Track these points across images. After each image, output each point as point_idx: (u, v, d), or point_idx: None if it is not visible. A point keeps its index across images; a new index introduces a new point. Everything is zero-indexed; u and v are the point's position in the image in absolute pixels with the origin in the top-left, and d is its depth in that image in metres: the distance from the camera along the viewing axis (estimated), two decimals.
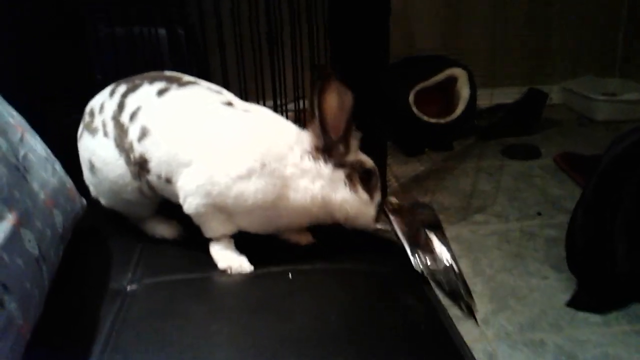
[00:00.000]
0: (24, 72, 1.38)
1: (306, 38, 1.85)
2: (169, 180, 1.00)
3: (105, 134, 1.04)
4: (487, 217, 2.19)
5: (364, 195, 1.01)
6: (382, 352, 0.80)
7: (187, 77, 1.09)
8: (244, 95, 1.79)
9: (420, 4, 3.23)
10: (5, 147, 0.86)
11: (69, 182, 1.07)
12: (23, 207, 0.83)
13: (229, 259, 1.02)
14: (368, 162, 1.04)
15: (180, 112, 1.01)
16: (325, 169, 0.98)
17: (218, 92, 1.07)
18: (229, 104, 1.03)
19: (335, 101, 0.95)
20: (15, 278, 0.74)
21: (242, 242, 1.03)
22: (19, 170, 0.88)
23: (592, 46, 3.44)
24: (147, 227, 1.14)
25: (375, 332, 0.85)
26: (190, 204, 0.98)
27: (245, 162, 0.95)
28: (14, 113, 0.99)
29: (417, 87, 2.83)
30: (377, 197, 1.05)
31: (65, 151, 1.09)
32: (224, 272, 1.00)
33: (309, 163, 0.98)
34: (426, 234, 1.09)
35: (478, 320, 1.53)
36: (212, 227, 1.02)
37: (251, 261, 1.01)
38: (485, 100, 3.19)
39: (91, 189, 1.12)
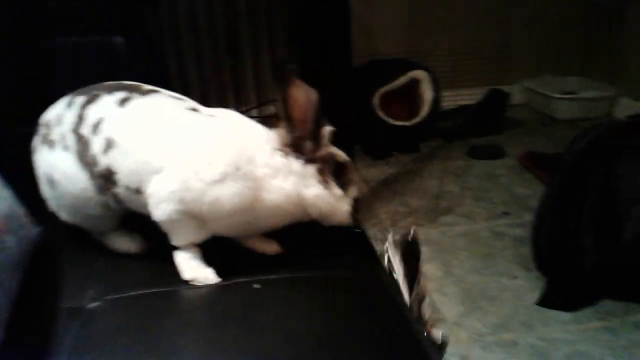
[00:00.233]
0: None
1: (267, 45, 1.83)
2: (138, 191, 0.97)
3: (65, 148, 1.00)
4: (455, 218, 2.20)
5: (336, 190, 1.00)
6: None
7: (146, 86, 1.06)
8: (207, 104, 1.75)
9: (382, 8, 3.24)
10: None
11: (19, 210, 1.02)
12: None
13: (194, 270, 0.99)
14: (341, 155, 1.03)
15: (146, 120, 0.98)
16: (295, 165, 0.97)
17: (180, 99, 1.05)
18: (194, 110, 1.01)
19: (301, 96, 0.94)
20: None
21: (208, 252, 1.00)
22: None
23: (551, 45, 3.50)
24: (109, 242, 1.10)
25: (343, 342, 0.83)
26: (163, 210, 0.95)
27: (218, 166, 0.93)
28: None
29: (382, 91, 2.85)
30: (353, 191, 1.04)
31: (16, 165, 1.05)
32: (189, 284, 0.97)
33: (279, 160, 0.97)
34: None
35: (451, 322, 1.53)
36: (182, 234, 0.99)
37: (217, 272, 0.98)
38: (449, 101, 3.23)
39: (50, 203, 1.07)
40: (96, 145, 0.97)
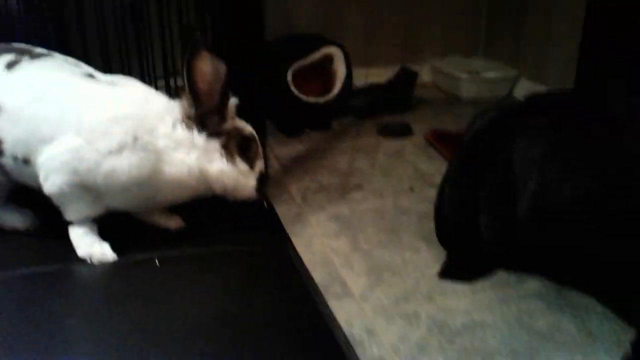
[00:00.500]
0: None
1: (175, 14, 1.76)
2: (26, 161, 0.91)
3: None
4: (364, 195, 2.24)
5: (242, 165, 0.99)
6: (252, 340, 0.78)
7: (38, 49, 0.99)
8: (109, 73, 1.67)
9: None
10: None
11: None
12: None
13: (89, 246, 0.95)
14: (246, 129, 1.01)
15: (36, 85, 0.92)
16: (199, 138, 0.95)
17: (76, 65, 0.99)
18: (90, 76, 0.96)
19: (208, 68, 0.92)
20: None
21: (105, 227, 0.96)
22: None
23: (457, 27, 3.62)
24: None
25: (246, 318, 0.83)
26: (53, 182, 0.90)
27: (115, 136, 0.89)
28: None
29: (295, 66, 2.82)
30: (259, 166, 1.03)
31: None
32: (84, 261, 0.93)
33: (181, 133, 0.94)
34: None
35: (357, 296, 1.56)
36: (75, 208, 0.94)
37: (114, 248, 0.95)
38: (361, 79, 3.26)
39: None
40: None
